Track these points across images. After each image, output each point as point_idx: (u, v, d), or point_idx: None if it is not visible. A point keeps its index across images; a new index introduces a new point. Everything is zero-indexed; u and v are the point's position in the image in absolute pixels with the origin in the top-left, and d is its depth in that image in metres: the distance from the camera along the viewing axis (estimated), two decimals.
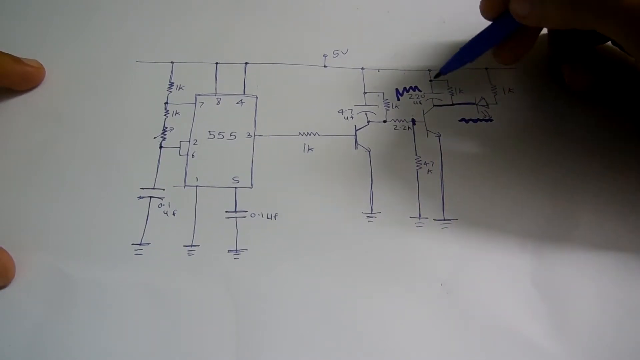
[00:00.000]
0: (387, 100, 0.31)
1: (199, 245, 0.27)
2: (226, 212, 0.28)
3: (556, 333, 0.25)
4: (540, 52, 0.32)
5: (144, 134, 0.30)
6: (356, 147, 0.30)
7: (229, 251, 0.27)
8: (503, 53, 0.29)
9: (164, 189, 0.28)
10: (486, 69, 0.32)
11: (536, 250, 0.27)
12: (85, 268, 0.26)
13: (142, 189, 0.28)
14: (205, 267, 0.26)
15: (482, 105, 0.31)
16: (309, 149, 0.29)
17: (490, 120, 0.30)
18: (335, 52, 0.33)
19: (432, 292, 0.26)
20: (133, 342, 0.24)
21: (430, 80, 0.31)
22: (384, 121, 0.30)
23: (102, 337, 0.24)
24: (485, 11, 0.28)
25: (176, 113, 0.30)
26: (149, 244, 0.27)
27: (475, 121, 0.30)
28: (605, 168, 0.29)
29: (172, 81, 0.31)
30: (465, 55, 0.29)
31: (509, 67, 0.32)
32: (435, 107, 0.31)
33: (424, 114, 0.31)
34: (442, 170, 0.29)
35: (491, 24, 0.28)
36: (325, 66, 0.32)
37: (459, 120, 0.30)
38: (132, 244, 0.27)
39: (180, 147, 0.29)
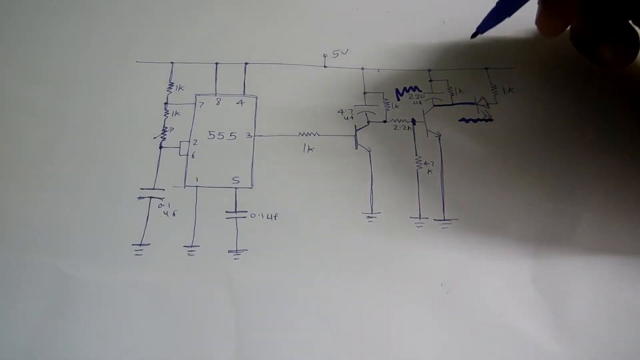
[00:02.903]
0: (387, 100, 0.31)
1: (199, 246, 0.27)
2: (226, 212, 0.28)
3: (556, 333, 0.25)
4: (539, 52, 0.32)
5: (143, 134, 0.30)
6: (356, 147, 0.30)
7: (229, 251, 0.27)
8: (544, 24, 0.27)
9: (164, 189, 0.28)
10: (486, 69, 0.32)
11: (536, 250, 0.27)
12: (85, 268, 0.26)
13: (142, 189, 0.28)
14: (206, 267, 0.26)
15: (482, 105, 0.31)
16: (309, 149, 0.29)
17: (490, 120, 0.30)
18: (335, 52, 0.33)
19: (432, 292, 0.26)
20: (133, 342, 0.24)
21: (472, 36, 0.30)
22: (384, 121, 0.30)
23: (102, 337, 0.24)
24: None
25: (176, 113, 0.30)
26: (149, 244, 0.27)
27: (475, 121, 0.30)
28: (605, 168, 0.29)
29: (172, 81, 0.31)
30: (502, 9, 0.27)
31: (509, 67, 0.32)
32: (435, 107, 0.31)
33: (424, 114, 0.31)
34: (442, 170, 0.29)
35: None
36: (325, 66, 0.32)
37: (459, 120, 0.30)
38: (132, 245, 0.27)
39: (180, 147, 0.29)
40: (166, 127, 0.30)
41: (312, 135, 0.30)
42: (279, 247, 0.27)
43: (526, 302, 0.26)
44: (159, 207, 0.28)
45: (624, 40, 0.28)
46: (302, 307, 0.25)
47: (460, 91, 0.31)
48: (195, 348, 0.24)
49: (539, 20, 0.28)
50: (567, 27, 0.27)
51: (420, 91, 0.31)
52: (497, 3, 0.28)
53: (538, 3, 0.29)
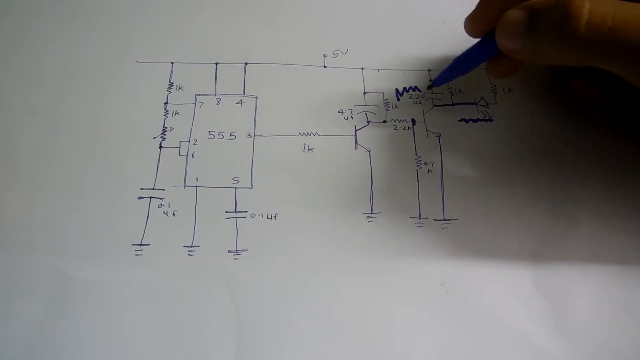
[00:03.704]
0: (387, 100, 0.31)
1: (199, 246, 0.27)
2: (226, 212, 0.28)
3: (556, 333, 0.25)
4: None
5: (143, 134, 0.30)
6: (356, 147, 0.30)
7: (229, 251, 0.27)
8: (494, 69, 0.28)
9: (164, 189, 0.28)
10: (486, 69, 0.32)
11: (536, 250, 0.27)
12: (85, 268, 0.26)
13: (142, 189, 0.28)
14: (206, 267, 0.26)
15: (482, 105, 0.31)
16: (309, 149, 0.29)
17: (490, 120, 0.30)
18: (335, 52, 0.33)
19: (432, 292, 0.26)
20: (133, 342, 0.24)
21: (428, 88, 0.31)
22: (384, 121, 0.30)
23: (102, 337, 0.24)
24: (468, 30, 0.27)
25: (176, 113, 0.30)
26: (149, 244, 0.27)
27: (475, 121, 0.30)
28: (605, 168, 0.29)
29: (171, 81, 0.31)
30: (456, 68, 0.29)
31: None
32: (435, 107, 0.31)
33: (424, 114, 0.31)
34: (442, 170, 0.29)
35: (478, 42, 0.28)
36: (325, 66, 0.32)
37: (459, 120, 0.30)
38: (132, 245, 0.27)
39: (180, 147, 0.29)
40: (166, 127, 0.30)
41: (312, 135, 0.30)
42: (279, 247, 0.27)
43: (526, 302, 0.26)
44: (159, 207, 0.28)
45: (596, 75, 0.28)
46: (301, 307, 0.25)
47: (460, 91, 0.31)
48: (195, 348, 0.24)
49: (488, 68, 0.29)
50: (515, 71, 0.28)
51: (420, 91, 0.31)
52: (452, 63, 0.29)
53: None
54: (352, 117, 0.31)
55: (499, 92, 0.31)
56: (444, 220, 0.28)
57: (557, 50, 0.23)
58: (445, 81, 0.30)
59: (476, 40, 0.28)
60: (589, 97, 0.29)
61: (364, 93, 0.31)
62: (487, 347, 0.25)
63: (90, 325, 0.25)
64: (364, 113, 0.31)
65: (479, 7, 0.27)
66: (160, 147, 0.29)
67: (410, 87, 0.32)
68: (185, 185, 0.28)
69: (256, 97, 0.31)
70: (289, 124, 0.30)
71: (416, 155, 0.29)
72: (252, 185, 0.28)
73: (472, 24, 0.27)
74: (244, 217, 0.27)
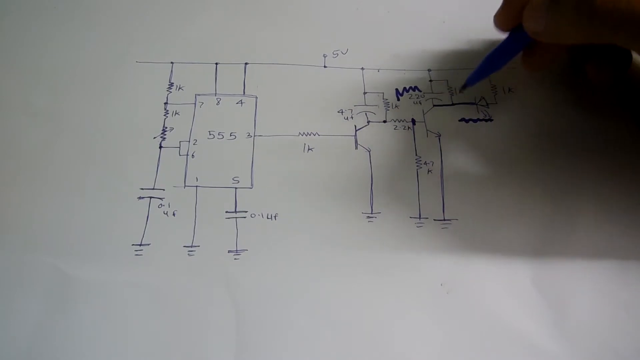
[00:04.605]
0: (387, 100, 0.31)
1: (199, 246, 0.27)
2: (226, 212, 0.28)
3: (556, 333, 0.25)
4: None
5: (143, 134, 0.30)
6: (356, 147, 0.30)
7: (229, 251, 0.27)
8: (528, 61, 0.28)
9: (164, 189, 0.28)
10: (521, 62, 0.32)
11: (536, 250, 0.27)
12: (85, 268, 0.26)
13: (142, 189, 0.28)
14: (206, 267, 0.26)
15: (482, 105, 0.31)
16: (309, 149, 0.29)
17: (490, 120, 0.30)
18: (335, 52, 0.33)
19: (432, 292, 0.26)
20: (133, 342, 0.24)
21: (461, 90, 0.30)
22: (384, 121, 0.30)
23: (102, 337, 0.24)
24: (498, 25, 0.28)
25: (176, 113, 0.30)
26: (149, 244, 0.27)
27: (475, 121, 0.30)
28: (605, 168, 0.29)
29: (171, 81, 0.31)
30: (489, 65, 0.29)
31: (509, 67, 0.32)
32: (435, 107, 0.31)
33: (424, 114, 0.31)
34: (442, 170, 0.29)
35: (508, 35, 0.28)
36: (325, 66, 0.32)
37: (459, 120, 0.30)
38: (132, 245, 0.27)
39: (180, 147, 0.29)
40: (166, 127, 0.30)
41: (312, 135, 0.30)
42: (279, 247, 0.27)
43: (526, 302, 0.26)
44: (159, 207, 0.28)
45: (610, 61, 0.28)
46: (301, 307, 0.25)
47: (460, 91, 0.31)
48: (195, 348, 0.24)
49: (522, 61, 0.29)
50: (551, 62, 0.28)
51: (420, 91, 0.31)
52: (486, 58, 0.28)
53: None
54: (352, 117, 0.31)
55: (499, 92, 0.31)
56: (444, 220, 0.28)
57: (576, 27, 0.23)
58: (479, 79, 0.29)
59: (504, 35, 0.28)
60: (600, 80, 0.28)
61: (364, 93, 0.31)
62: (487, 347, 0.25)
63: (90, 325, 0.25)
64: (364, 113, 0.31)
65: (506, 1, 0.27)
66: (160, 147, 0.29)
67: (410, 87, 0.32)
68: (185, 185, 0.28)
69: (256, 97, 0.31)
70: (289, 124, 0.30)
71: (416, 155, 0.29)
72: (252, 185, 0.28)
73: (502, 18, 0.27)
74: (244, 217, 0.27)
